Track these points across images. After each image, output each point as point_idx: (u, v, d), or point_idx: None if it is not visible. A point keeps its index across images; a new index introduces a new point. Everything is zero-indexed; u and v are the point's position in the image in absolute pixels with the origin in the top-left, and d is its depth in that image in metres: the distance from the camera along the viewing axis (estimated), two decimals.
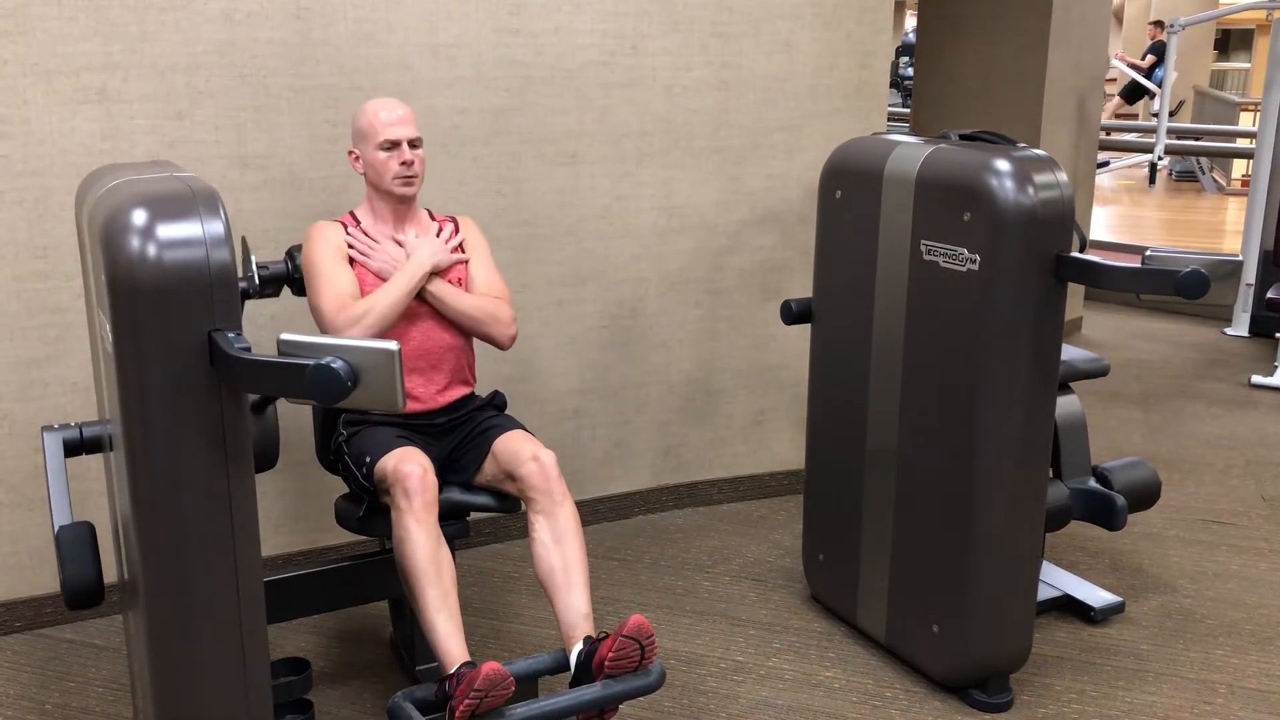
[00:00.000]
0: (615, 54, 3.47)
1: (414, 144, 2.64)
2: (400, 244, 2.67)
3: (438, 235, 2.73)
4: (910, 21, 17.75)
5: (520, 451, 2.54)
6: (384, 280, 2.61)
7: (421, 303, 2.63)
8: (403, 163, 2.62)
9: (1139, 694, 2.83)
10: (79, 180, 2.79)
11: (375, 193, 2.68)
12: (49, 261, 2.94)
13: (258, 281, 2.60)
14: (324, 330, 2.57)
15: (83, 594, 2.04)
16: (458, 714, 2.15)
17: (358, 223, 2.70)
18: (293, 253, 2.74)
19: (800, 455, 3.84)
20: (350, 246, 2.63)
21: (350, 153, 2.70)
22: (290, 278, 2.74)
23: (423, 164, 2.67)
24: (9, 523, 3.03)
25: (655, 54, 3.52)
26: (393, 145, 2.61)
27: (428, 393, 2.67)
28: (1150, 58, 13.03)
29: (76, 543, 2.02)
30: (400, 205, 2.69)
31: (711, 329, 3.83)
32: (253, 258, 2.54)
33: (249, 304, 2.86)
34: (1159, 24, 12.78)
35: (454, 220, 2.82)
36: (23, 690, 2.82)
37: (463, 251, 2.74)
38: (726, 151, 3.69)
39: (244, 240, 2.52)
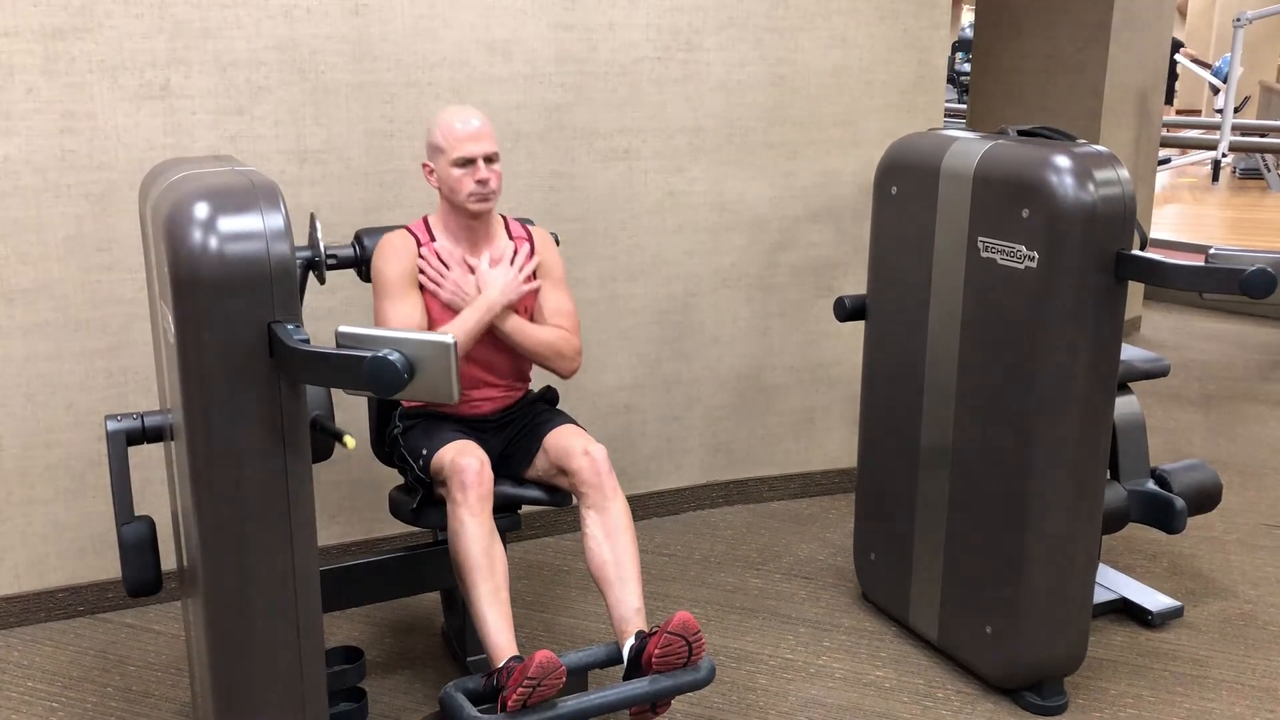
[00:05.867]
0: (670, 49, 3.47)
1: (490, 160, 2.53)
2: (472, 269, 2.59)
3: (512, 258, 2.63)
4: (967, 16, 17.54)
5: (571, 446, 2.55)
6: (452, 310, 2.57)
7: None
8: (478, 181, 2.52)
9: (1197, 700, 2.78)
10: (143, 174, 2.84)
11: (449, 207, 2.59)
12: (113, 254, 3.00)
13: (324, 256, 2.53)
14: None
15: (143, 588, 2.09)
16: (510, 704, 2.16)
17: (431, 236, 2.61)
18: (361, 237, 2.70)
19: (852, 453, 3.82)
20: (421, 271, 2.57)
21: (424, 165, 2.59)
22: (358, 262, 2.69)
23: (499, 179, 2.56)
24: (72, 509, 3.10)
25: (709, 49, 3.51)
26: (468, 162, 2.52)
27: (482, 400, 2.68)
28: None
29: (137, 540, 2.06)
30: (475, 221, 2.60)
31: (764, 325, 3.81)
32: (319, 231, 2.50)
33: (308, 298, 2.88)
34: None
35: (529, 235, 2.71)
36: (85, 673, 2.89)
37: (535, 277, 2.66)
38: (780, 147, 3.67)
39: (312, 216, 2.51)
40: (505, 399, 2.72)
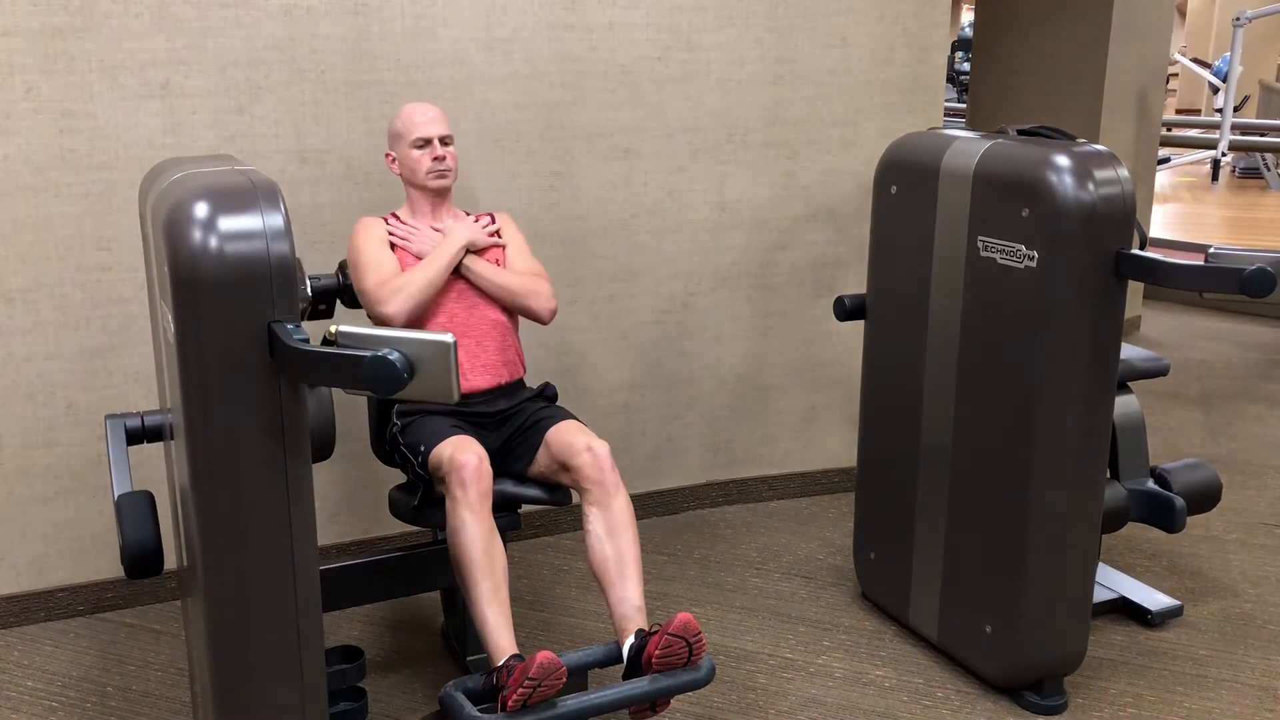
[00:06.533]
0: (669, 49, 3.47)
1: (445, 140, 2.75)
2: (439, 230, 2.76)
3: (474, 223, 2.82)
4: (967, 16, 17.55)
5: (574, 442, 2.55)
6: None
7: (463, 280, 2.71)
8: (435, 158, 2.73)
9: (1197, 699, 2.78)
10: (142, 174, 2.84)
11: (412, 190, 2.79)
12: (113, 254, 3.00)
13: (310, 293, 2.67)
14: (368, 307, 2.64)
15: (142, 557, 2.01)
16: (510, 703, 2.16)
17: (399, 219, 2.79)
18: (344, 266, 2.80)
19: (851, 453, 3.82)
20: (392, 234, 2.74)
21: (387, 155, 2.80)
22: (342, 291, 2.81)
23: (455, 160, 2.77)
24: (72, 509, 3.10)
25: (709, 49, 3.51)
26: (425, 142, 2.72)
27: (474, 369, 2.69)
28: None
29: (136, 508, 2.03)
30: (436, 199, 2.78)
31: (763, 325, 3.81)
32: (305, 274, 2.59)
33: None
34: None
35: (491, 215, 2.90)
36: (85, 673, 2.89)
37: (499, 238, 2.83)
38: (780, 146, 3.68)
39: (297, 260, 2.56)
40: (497, 371, 2.72)
